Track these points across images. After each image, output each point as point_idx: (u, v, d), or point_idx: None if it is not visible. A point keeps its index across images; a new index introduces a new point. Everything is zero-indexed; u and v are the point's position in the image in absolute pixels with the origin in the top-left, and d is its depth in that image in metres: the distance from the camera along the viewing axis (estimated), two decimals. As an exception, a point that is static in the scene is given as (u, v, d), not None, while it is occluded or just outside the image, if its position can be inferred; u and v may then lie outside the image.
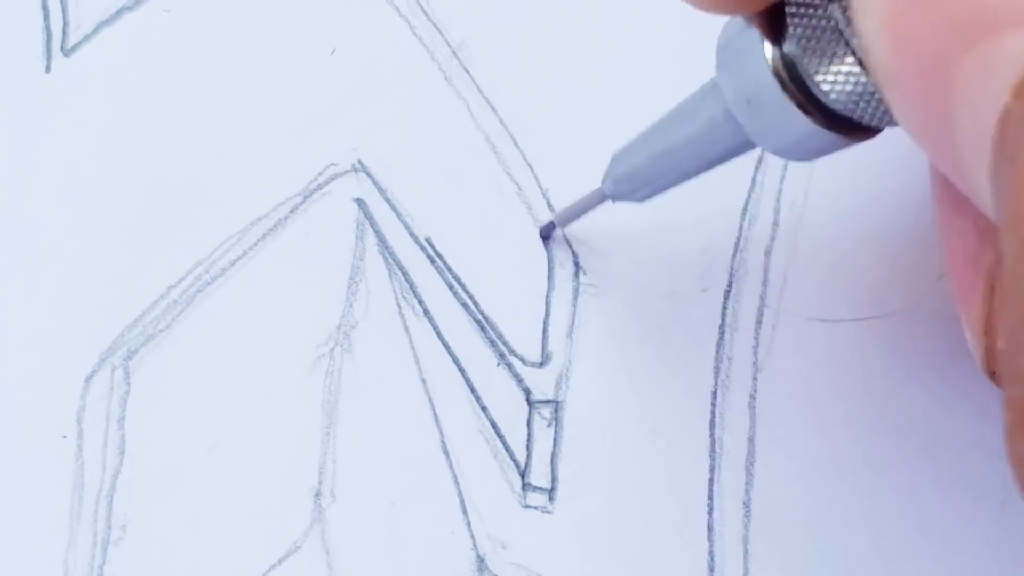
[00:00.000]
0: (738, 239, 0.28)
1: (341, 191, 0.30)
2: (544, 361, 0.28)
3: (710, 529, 0.27)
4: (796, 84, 0.18)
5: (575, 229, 0.29)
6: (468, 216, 0.29)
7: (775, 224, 0.28)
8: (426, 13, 0.31)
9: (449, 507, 0.27)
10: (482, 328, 0.28)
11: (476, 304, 0.28)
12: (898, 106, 0.16)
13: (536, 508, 0.27)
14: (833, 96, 0.18)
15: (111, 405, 0.28)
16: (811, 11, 0.18)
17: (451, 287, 0.29)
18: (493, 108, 0.30)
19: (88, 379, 0.29)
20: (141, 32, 0.31)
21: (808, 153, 0.19)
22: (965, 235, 0.19)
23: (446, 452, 0.27)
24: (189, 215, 0.30)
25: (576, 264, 0.29)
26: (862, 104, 0.18)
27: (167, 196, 0.30)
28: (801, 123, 0.18)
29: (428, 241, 0.29)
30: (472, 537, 0.27)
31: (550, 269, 0.29)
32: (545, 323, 0.28)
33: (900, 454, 0.27)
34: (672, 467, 0.27)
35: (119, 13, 0.31)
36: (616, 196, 0.25)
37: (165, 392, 0.28)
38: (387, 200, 0.29)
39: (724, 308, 0.28)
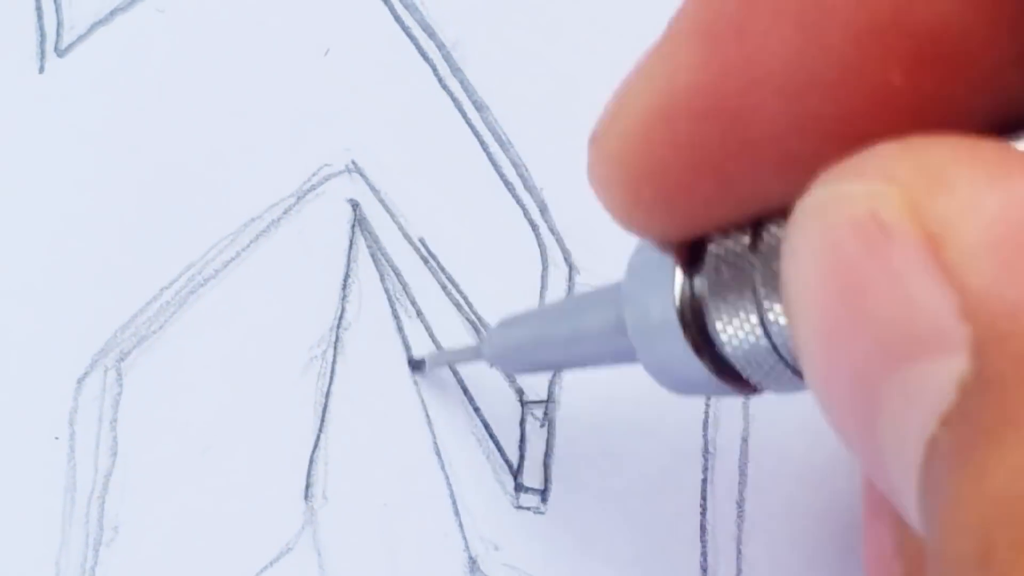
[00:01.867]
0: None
1: (335, 192, 0.30)
2: (537, 362, 0.28)
3: (703, 529, 0.27)
4: (697, 324, 0.17)
5: (568, 227, 0.29)
6: (462, 217, 0.29)
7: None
8: (420, 13, 0.31)
9: (441, 508, 0.27)
10: (475, 329, 0.28)
11: (469, 305, 0.28)
12: (828, 413, 0.15)
13: (529, 509, 0.27)
14: (729, 350, 0.17)
15: (103, 407, 0.28)
16: (731, 256, 0.17)
17: (444, 288, 0.29)
18: (487, 108, 0.30)
19: (80, 380, 0.29)
20: (135, 33, 0.31)
21: (686, 389, 0.19)
22: (882, 539, 0.19)
23: (438, 453, 0.27)
24: (182, 216, 0.29)
25: (569, 264, 0.28)
26: (754, 366, 0.17)
27: (160, 197, 0.30)
28: (691, 364, 0.18)
29: (421, 242, 0.29)
30: (464, 538, 0.27)
31: (543, 269, 0.29)
32: (538, 324, 0.28)
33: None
34: (665, 467, 0.27)
35: (113, 14, 0.31)
36: (492, 362, 0.24)
37: (158, 394, 0.28)
38: (381, 201, 0.29)
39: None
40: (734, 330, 0.17)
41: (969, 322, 0.13)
